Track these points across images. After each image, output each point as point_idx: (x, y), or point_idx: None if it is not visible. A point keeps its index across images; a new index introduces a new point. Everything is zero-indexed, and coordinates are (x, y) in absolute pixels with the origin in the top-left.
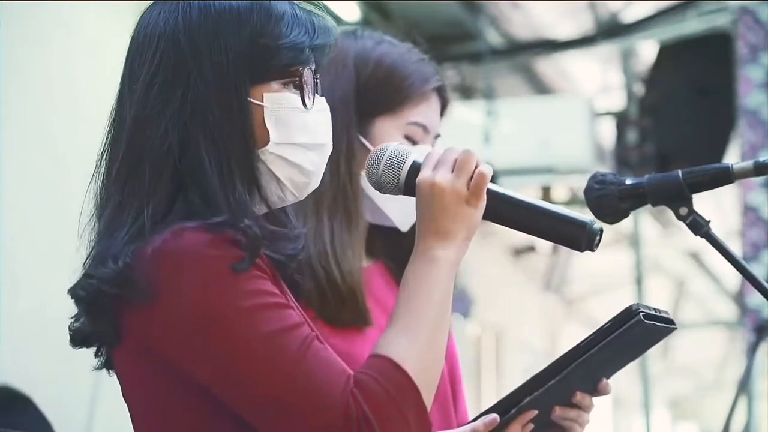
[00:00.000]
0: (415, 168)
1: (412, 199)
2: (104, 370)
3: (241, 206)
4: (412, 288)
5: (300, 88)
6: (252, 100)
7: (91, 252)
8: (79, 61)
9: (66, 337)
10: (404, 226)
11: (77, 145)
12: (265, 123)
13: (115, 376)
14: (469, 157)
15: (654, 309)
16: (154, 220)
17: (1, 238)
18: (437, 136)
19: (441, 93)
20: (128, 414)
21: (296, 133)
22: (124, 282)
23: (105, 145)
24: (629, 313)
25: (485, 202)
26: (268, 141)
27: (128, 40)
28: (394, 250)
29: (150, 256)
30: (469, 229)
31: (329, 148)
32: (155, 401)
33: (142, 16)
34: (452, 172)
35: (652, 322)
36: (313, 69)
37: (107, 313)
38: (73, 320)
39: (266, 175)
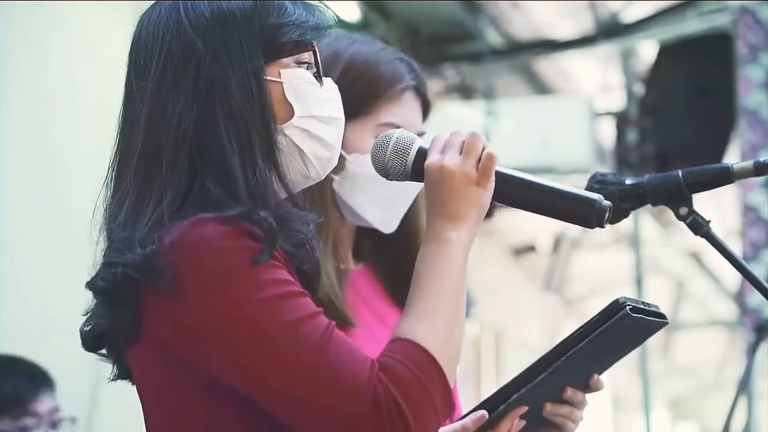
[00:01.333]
0: (422, 153)
1: (389, 199)
2: (104, 371)
3: (261, 187)
4: (428, 271)
5: (315, 62)
6: (269, 78)
7: (110, 243)
8: (79, 61)
9: (66, 337)
10: (384, 227)
11: (77, 145)
12: (286, 98)
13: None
14: (477, 139)
15: (642, 303)
16: (173, 208)
17: (1, 238)
18: (420, 134)
19: (418, 91)
20: (128, 414)
21: (315, 106)
22: (151, 268)
23: (117, 143)
24: (616, 307)
25: (494, 184)
26: (291, 115)
27: (129, 40)
28: (379, 255)
29: (169, 247)
30: (480, 211)
31: (343, 123)
32: (170, 397)
33: (142, 16)
34: (460, 154)
35: (639, 315)
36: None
37: (129, 303)
38: (84, 322)
39: (290, 150)
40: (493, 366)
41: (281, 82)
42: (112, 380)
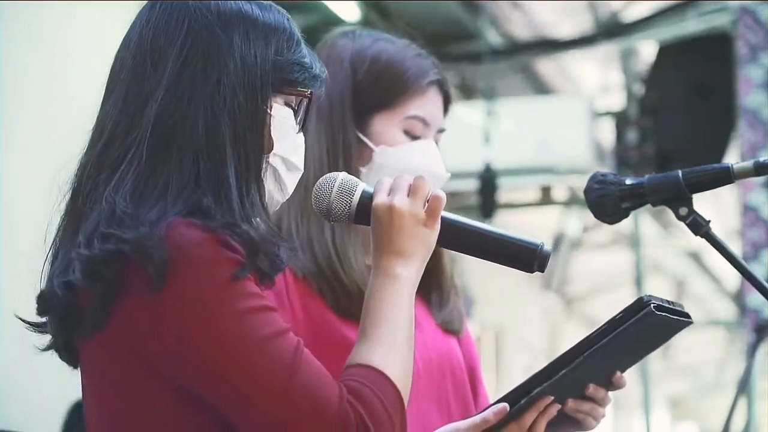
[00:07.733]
0: (366, 195)
1: None
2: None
3: (251, 206)
4: (379, 303)
5: (306, 107)
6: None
7: (110, 213)
8: (79, 61)
9: None
10: None
11: (77, 145)
12: (270, 133)
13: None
14: (423, 182)
15: (667, 301)
16: (172, 203)
17: (1, 238)
18: (441, 130)
19: (441, 87)
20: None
21: (290, 150)
22: (146, 250)
23: (112, 114)
24: (640, 305)
25: (440, 225)
26: (269, 150)
27: (143, 13)
28: None
29: (161, 239)
30: (427, 250)
31: (300, 175)
32: (129, 398)
33: None
34: (408, 196)
35: (663, 314)
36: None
37: (107, 283)
38: (47, 280)
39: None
40: (493, 365)
41: (271, 116)
42: (45, 350)
